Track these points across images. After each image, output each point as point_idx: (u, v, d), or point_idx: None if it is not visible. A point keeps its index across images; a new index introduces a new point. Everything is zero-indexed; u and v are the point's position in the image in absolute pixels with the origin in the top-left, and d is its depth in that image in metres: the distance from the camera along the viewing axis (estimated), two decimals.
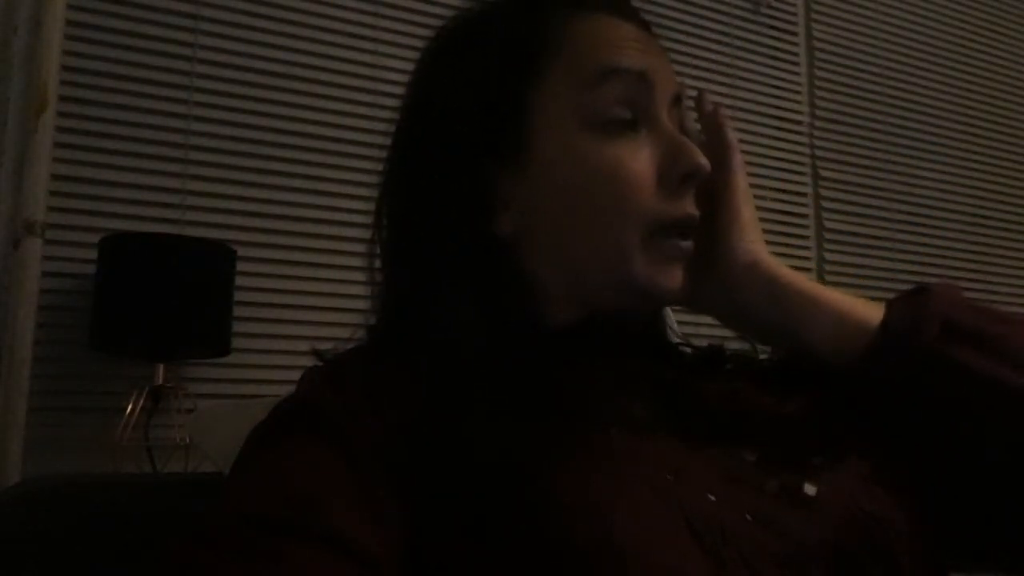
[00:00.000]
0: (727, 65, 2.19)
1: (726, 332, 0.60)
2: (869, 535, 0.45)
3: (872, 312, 0.53)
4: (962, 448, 0.50)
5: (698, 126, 0.61)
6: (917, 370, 0.50)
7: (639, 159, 0.53)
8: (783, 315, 0.54)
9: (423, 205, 0.56)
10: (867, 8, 2.43)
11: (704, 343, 0.63)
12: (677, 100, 0.57)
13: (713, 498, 0.44)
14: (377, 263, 0.59)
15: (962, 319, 0.51)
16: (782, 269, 0.55)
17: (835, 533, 0.44)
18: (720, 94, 2.16)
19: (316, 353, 0.55)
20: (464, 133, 0.55)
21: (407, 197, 0.58)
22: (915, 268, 2.33)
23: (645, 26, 0.59)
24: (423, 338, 0.52)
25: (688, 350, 0.63)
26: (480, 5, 0.60)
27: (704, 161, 0.54)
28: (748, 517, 0.44)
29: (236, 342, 1.48)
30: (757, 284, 0.54)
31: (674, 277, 0.54)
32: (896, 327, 0.52)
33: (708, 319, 0.59)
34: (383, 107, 1.75)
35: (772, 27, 2.28)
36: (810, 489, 0.46)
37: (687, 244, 0.54)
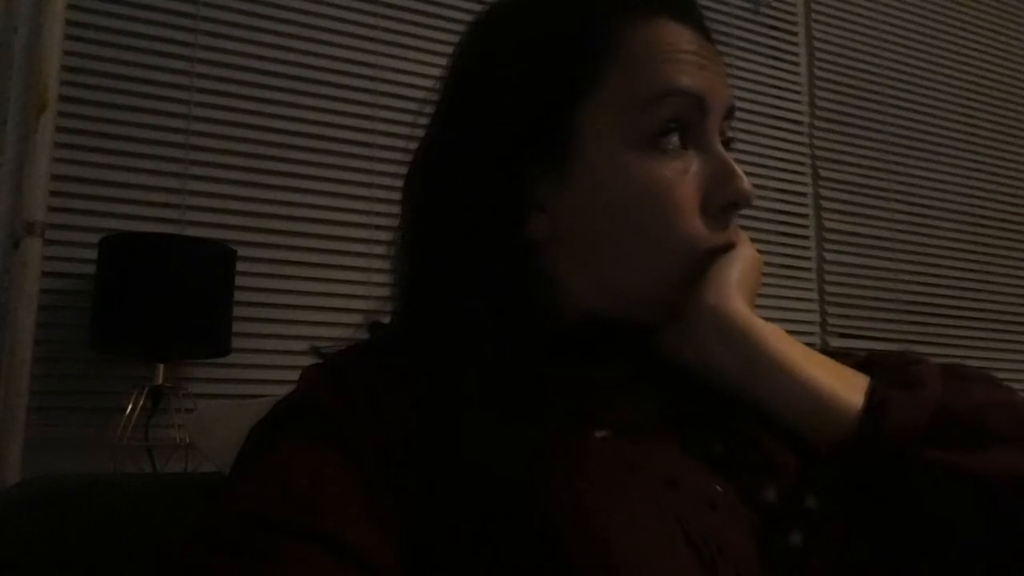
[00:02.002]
0: (727, 65, 2.18)
1: None
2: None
3: (852, 396, 0.47)
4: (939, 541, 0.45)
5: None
6: (890, 471, 0.45)
7: (686, 182, 0.51)
8: (751, 378, 0.49)
9: (453, 199, 0.55)
10: (867, 8, 2.42)
11: None
12: (729, 113, 0.56)
13: (712, 508, 0.44)
14: (395, 251, 0.57)
15: (946, 420, 0.46)
16: (755, 326, 0.50)
17: (834, 543, 0.44)
18: None
19: (315, 351, 0.55)
20: (507, 131, 0.53)
21: (438, 189, 0.56)
22: (915, 268, 2.32)
23: (706, 33, 0.56)
24: (430, 336, 0.52)
25: None
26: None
27: (750, 188, 0.52)
28: (746, 528, 0.43)
29: (236, 342, 1.48)
30: (721, 333, 0.50)
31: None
32: (874, 430, 0.45)
33: None
34: (383, 107, 1.75)
35: (772, 27, 2.28)
36: (811, 501, 0.46)
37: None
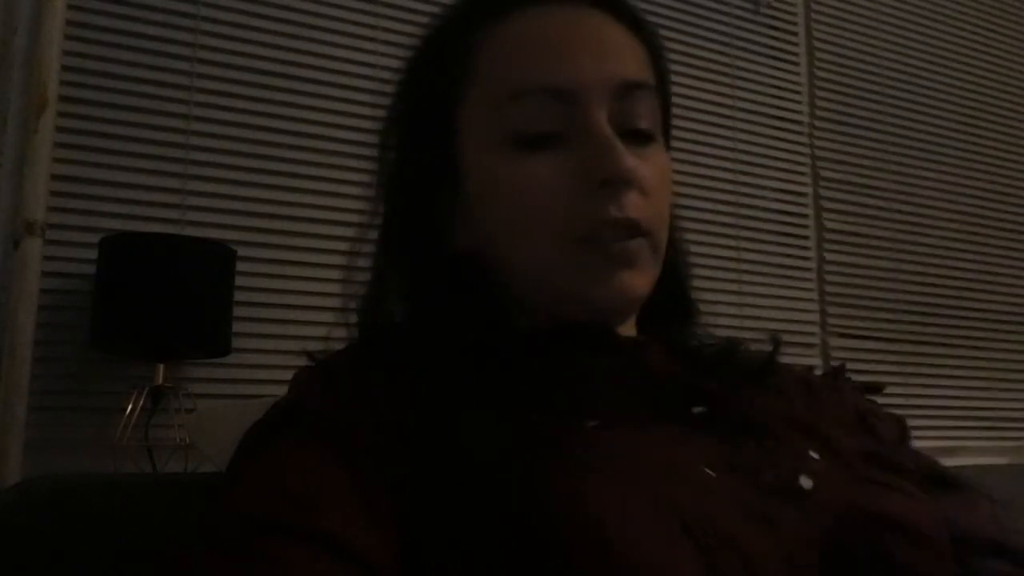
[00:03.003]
0: (727, 65, 2.18)
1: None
2: (864, 529, 0.45)
3: None
4: None
5: None
6: None
7: (551, 171, 0.50)
8: None
9: (389, 219, 0.59)
10: (867, 8, 2.43)
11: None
12: (625, 89, 0.52)
13: (708, 494, 0.44)
14: (362, 262, 0.62)
15: None
16: None
17: (830, 527, 0.44)
18: (720, 94, 2.16)
19: (307, 354, 0.55)
20: (414, 155, 0.57)
21: (382, 212, 0.60)
22: (915, 268, 2.33)
23: (595, 3, 0.54)
24: (415, 339, 0.53)
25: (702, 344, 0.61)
26: (436, 20, 0.59)
27: (626, 164, 0.49)
28: (743, 513, 0.43)
29: (236, 342, 1.48)
30: None
31: (616, 283, 0.51)
32: None
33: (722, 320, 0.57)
34: (383, 107, 1.74)
35: (772, 27, 2.28)
36: (805, 482, 0.46)
37: (630, 244, 0.50)
